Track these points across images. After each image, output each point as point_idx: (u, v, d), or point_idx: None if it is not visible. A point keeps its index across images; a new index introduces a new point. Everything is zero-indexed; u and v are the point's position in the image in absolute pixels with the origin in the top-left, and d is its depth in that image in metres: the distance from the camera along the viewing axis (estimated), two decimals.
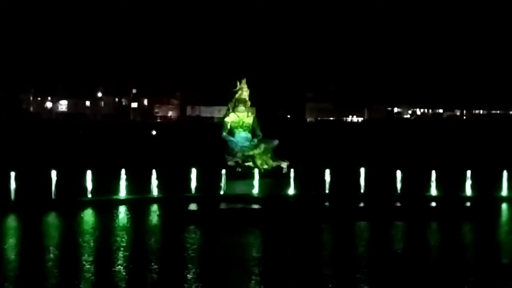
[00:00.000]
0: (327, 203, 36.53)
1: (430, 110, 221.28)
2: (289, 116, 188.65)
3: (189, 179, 37.73)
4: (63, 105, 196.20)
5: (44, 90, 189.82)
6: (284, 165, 47.80)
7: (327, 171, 38.55)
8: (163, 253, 26.03)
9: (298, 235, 29.68)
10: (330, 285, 21.69)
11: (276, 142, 49.86)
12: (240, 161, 47.79)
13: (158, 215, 34.06)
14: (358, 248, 27.09)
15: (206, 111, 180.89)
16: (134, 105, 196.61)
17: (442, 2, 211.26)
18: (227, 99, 51.12)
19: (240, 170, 45.07)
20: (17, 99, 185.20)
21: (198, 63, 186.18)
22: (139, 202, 35.90)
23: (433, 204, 36.47)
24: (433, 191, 38.02)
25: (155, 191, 37.08)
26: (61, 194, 35.27)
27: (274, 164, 48.37)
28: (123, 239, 28.15)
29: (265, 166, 47.24)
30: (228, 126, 49.69)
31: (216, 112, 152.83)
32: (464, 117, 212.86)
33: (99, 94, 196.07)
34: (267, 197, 37.44)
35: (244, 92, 50.41)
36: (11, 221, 31.66)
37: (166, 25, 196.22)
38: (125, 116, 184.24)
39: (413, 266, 24.23)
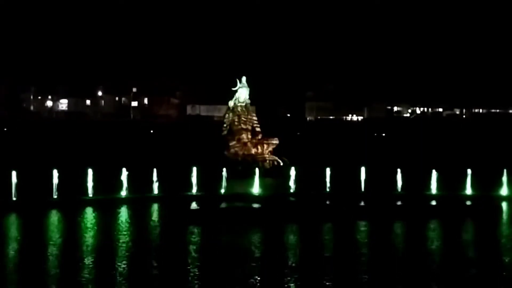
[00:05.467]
0: (327, 202, 36.60)
1: (429, 109, 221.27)
2: (289, 115, 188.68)
3: (190, 178, 37.80)
4: (63, 104, 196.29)
5: (44, 89, 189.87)
6: (284, 164, 47.85)
7: (328, 170, 38.60)
8: (165, 252, 26.07)
9: (299, 234, 29.74)
10: (331, 284, 21.76)
11: (276, 140, 49.95)
12: (240, 160, 47.86)
13: (159, 214, 34.11)
14: (359, 247, 27.13)
15: (206, 110, 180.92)
16: (135, 104, 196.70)
17: (442, 2, 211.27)
18: (227, 98, 51.16)
19: (240, 168, 45.11)
20: (17, 98, 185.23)
21: (198, 62, 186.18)
22: (140, 201, 35.95)
23: (434, 202, 36.54)
24: (434, 190, 38.08)
25: (156, 190, 37.14)
26: (62, 193, 35.33)
27: (274, 162, 48.45)
28: (124, 238, 28.20)
29: (265, 165, 47.31)
30: (228, 125, 49.75)
31: (216, 111, 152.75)
32: (464, 116, 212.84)
33: (100, 93, 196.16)
34: (267, 196, 37.49)
35: (244, 91, 50.48)
36: (12, 220, 31.72)
37: (166, 24, 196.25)
38: (125, 115, 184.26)
39: (414, 265, 24.28)
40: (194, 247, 26.76)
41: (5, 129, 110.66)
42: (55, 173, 35.19)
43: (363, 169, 38.73)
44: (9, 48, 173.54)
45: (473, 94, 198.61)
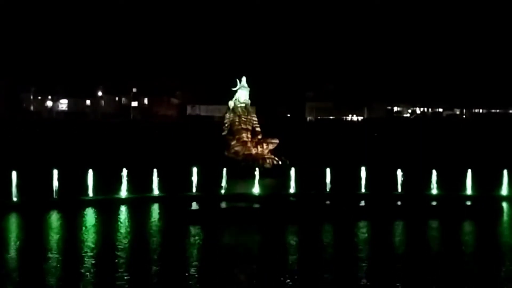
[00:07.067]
0: (327, 202, 36.60)
1: (429, 109, 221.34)
2: (289, 115, 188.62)
3: (190, 178, 37.79)
4: (63, 104, 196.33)
5: (44, 89, 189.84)
6: (284, 163, 47.86)
7: (328, 170, 38.59)
8: (165, 252, 26.06)
9: (299, 234, 29.73)
10: (331, 284, 21.75)
11: (276, 141, 49.99)
12: (240, 160, 47.89)
13: (159, 214, 34.09)
14: (360, 247, 27.12)
15: (206, 110, 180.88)
16: (135, 104, 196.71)
17: (442, 2, 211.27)
18: (227, 98, 51.19)
19: (240, 168, 45.09)
20: (17, 98, 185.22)
21: (198, 62, 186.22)
22: (140, 201, 35.94)
23: (434, 203, 36.54)
24: (434, 190, 38.08)
25: (156, 191, 37.12)
26: (63, 193, 35.33)
27: (275, 162, 48.50)
28: (125, 239, 28.20)
29: (266, 165, 47.34)
30: (228, 125, 49.79)
31: (216, 111, 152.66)
32: (464, 116, 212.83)
33: (100, 93, 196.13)
34: (267, 196, 37.49)
35: (244, 91, 50.52)
36: (13, 220, 31.71)
37: (166, 24, 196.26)
38: (125, 115, 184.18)
39: (414, 265, 24.27)
40: (194, 247, 26.76)
41: (5, 129, 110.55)
42: (55, 173, 35.20)
43: (363, 169, 38.72)
44: (9, 48, 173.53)
45: (473, 94, 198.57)
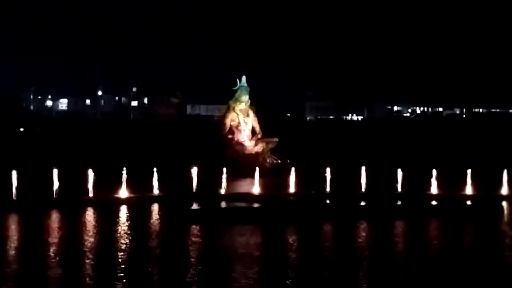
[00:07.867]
0: (328, 202, 36.59)
1: (430, 109, 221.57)
2: (289, 115, 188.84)
3: (190, 178, 37.78)
4: (63, 103, 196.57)
5: (44, 88, 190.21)
6: (284, 163, 47.89)
7: (328, 170, 38.58)
8: (165, 252, 26.06)
9: (299, 233, 29.73)
10: (331, 285, 21.75)
11: (276, 140, 50.02)
12: (240, 159, 47.89)
13: (159, 214, 34.09)
14: (360, 247, 27.13)
15: (206, 110, 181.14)
16: (134, 103, 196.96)
17: (442, 1, 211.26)
18: (227, 98, 51.20)
19: (240, 168, 45.09)
20: (17, 97, 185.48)
21: (198, 62, 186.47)
22: (140, 201, 35.94)
23: (434, 202, 36.54)
24: (434, 190, 38.08)
25: (156, 190, 37.11)
26: (63, 193, 35.32)
27: (274, 162, 48.53)
28: (125, 239, 28.20)
29: (266, 164, 47.36)
30: (228, 125, 49.81)
31: (216, 111, 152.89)
32: (464, 116, 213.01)
33: (100, 93, 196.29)
34: (267, 196, 37.48)
35: (244, 91, 50.53)
36: (12, 220, 31.70)
37: (166, 24, 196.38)
38: (125, 115, 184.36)
39: (415, 266, 24.27)
40: (195, 247, 26.76)
41: (5, 129, 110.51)
42: (55, 172, 35.20)
43: (363, 169, 38.70)
44: (10, 48, 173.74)
45: (473, 94, 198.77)
